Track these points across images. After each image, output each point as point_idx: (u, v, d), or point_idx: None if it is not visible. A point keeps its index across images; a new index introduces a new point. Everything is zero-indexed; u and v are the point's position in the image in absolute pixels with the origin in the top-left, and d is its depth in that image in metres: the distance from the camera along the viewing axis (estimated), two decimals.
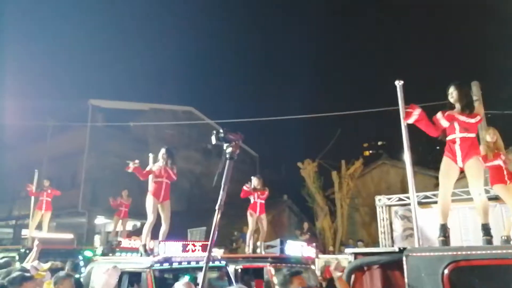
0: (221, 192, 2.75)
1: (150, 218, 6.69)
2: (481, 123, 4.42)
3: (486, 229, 4.08)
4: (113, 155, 18.76)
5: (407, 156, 4.40)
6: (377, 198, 11.10)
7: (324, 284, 8.92)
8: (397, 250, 3.68)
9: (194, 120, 22.57)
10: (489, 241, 3.99)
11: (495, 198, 7.33)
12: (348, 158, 16.21)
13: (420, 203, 10.53)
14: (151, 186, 7.06)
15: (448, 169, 4.31)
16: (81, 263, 8.43)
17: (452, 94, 4.37)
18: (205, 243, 6.57)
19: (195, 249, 6.35)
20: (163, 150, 7.23)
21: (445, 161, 4.33)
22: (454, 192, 9.82)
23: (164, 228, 6.90)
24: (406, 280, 3.44)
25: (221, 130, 2.79)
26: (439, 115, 4.34)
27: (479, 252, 3.15)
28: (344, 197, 15.32)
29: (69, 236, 9.42)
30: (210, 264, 6.46)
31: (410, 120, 4.33)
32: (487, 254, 3.14)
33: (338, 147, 17.71)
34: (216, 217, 2.67)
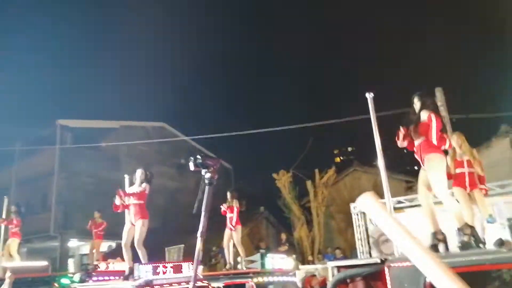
0: (202, 218, 2.76)
1: (123, 239, 6.66)
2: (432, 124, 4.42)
3: (460, 233, 4.20)
4: (85, 175, 18.33)
5: (381, 163, 4.55)
6: (352, 205, 11.30)
7: None
8: (379, 261, 3.76)
9: (166, 136, 22.35)
10: (467, 246, 4.09)
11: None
12: (321, 167, 16.43)
13: (394, 208, 10.80)
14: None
15: (422, 177, 4.48)
16: None
17: (416, 104, 4.56)
18: (177, 264, 6.44)
19: (166, 271, 6.21)
20: (139, 171, 7.14)
21: (421, 170, 4.50)
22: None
23: (139, 250, 6.78)
24: None
25: (198, 156, 2.83)
26: (398, 143, 4.53)
27: (456, 259, 3.26)
28: (320, 205, 15.47)
29: (43, 263, 9.07)
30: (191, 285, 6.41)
31: (403, 144, 4.44)
32: (462, 261, 3.26)
33: (310, 156, 17.96)
34: (199, 244, 2.68)
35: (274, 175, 15.61)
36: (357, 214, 11.05)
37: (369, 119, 5.17)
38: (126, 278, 6.19)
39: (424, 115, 4.29)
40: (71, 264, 17.49)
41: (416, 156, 4.39)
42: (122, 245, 6.62)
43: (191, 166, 2.73)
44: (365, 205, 1.08)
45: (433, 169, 4.17)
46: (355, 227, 10.97)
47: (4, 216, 9.82)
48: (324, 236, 15.81)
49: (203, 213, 2.72)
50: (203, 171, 2.75)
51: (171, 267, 6.23)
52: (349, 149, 62.63)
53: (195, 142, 25.14)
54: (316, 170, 15.85)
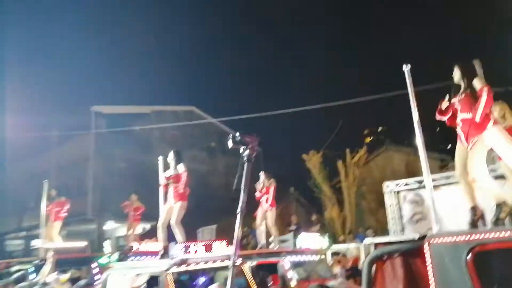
0: (241, 195, 2.76)
1: (160, 220, 6.82)
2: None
3: (496, 211, 4.02)
4: (119, 160, 18.81)
5: (419, 140, 4.41)
6: (384, 184, 11.08)
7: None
8: (417, 237, 3.69)
9: (196, 119, 22.57)
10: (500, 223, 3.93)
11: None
12: (351, 147, 16.25)
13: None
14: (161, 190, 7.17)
15: (460, 153, 4.33)
16: (96, 270, 8.47)
17: (455, 74, 4.37)
18: (211, 243, 6.53)
19: (199, 250, 6.29)
20: (171, 154, 7.32)
21: (458, 145, 4.35)
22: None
23: (176, 230, 6.96)
24: (429, 267, 3.45)
25: (237, 134, 2.84)
26: (438, 117, 4.39)
27: (502, 234, 3.15)
28: (351, 185, 15.34)
29: (82, 243, 9.45)
30: (225, 263, 6.51)
31: (444, 118, 4.31)
32: (506, 237, 3.14)
33: (340, 137, 17.76)
34: (239, 221, 2.68)
35: (304, 156, 15.54)
36: (389, 193, 10.84)
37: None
38: (162, 257, 6.35)
39: (479, 83, 4.09)
40: (107, 245, 18.11)
41: (459, 130, 4.20)
42: (159, 224, 6.80)
43: (230, 144, 2.75)
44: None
45: (475, 153, 4.04)
46: (387, 207, 10.78)
47: (45, 199, 10.22)
48: (355, 216, 15.71)
49: (242, 189, 2.72)
50: (241, 148, 2.76)
51: (205, 245, 6.34)
52: (379, 128, 61.37)
53: (224, 125, 25.30)
54: (347, 150, 15.68)
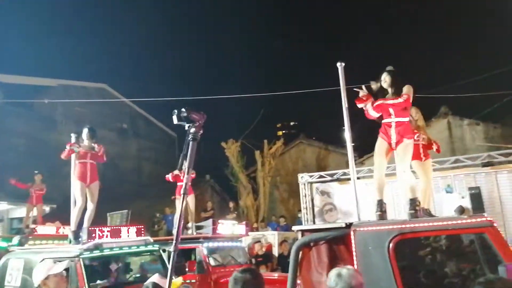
0: (185, 175, 2.62)
1: (79, 202, 6.28)
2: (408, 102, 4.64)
3: (412, 204, 4.40)
4: (17, 136, 17.08)
5: (347, 135, 4.61)
6: (299, 175, 11.57)
7: (253, 260, 9.14)
8: (343, 225, 3.86)
9: (107, 98, 21.28)
10: (415, 215, 4.31)
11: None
12: (265, 138, 16.64)
13: (339, 180, 11.23)
14: (75, 169, 6.59)
15: (382, 149, 4.59)
16: None
17: (385, 79, 4.64)
18: (119, 228, 6.26)
19: (111, 235, 5.99)
20: (85, 130, 6.81)
21: (380, 142, 4.60)
22: (369, 168, 10.64)
23: (89, 213, 6.52)
24: (354, 253, 3.64)
25: (183, 109, 2.63)
26: (361, 105, 4.63)
27: (420, 225, 3.44)
28: (266, 175, 15.74)
29: None
30: (143, 248, 6.27)
31: (361, 105, 4.54)
32: (425, 226, 3.44)
33: (256, 127, 18.07)
34: (182, 201, 2.55)
35: (223, 144, 15.56)
36: (304, 184, 11.33)
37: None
38: (76, 240, 5.92)
39: (406, 90, 4.40)
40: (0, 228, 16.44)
41: (392, 131, 4.45)
42: (79, 208, 6.26)
43: (175, 120, 2.55)
44: None
45: (407, 152, 4.37)
46: (301, 197, 11.28)
47: None
48: (268, 205, 16.18)
49: (186, 170, 2.57)
50: (186, 126, 2.58)
51: (116, 230, 6.00)
52: (291, 123, 63.83)
53: (138, 106, 24.24)
54: (265, 141, 16.03)
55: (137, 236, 6.11)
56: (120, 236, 5.95)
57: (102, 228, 5.86)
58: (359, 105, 4.60)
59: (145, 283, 3.12)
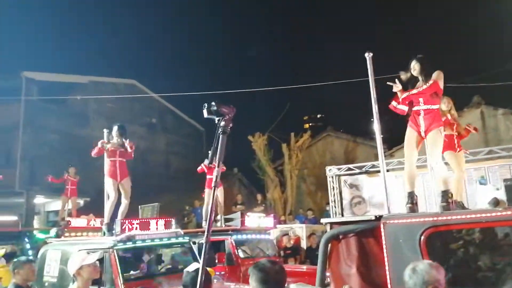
0: (216, 168, 2.66)
1: (112, 197, 6.50)
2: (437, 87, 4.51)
3: (444, 196, 4.31)
4: (51, 131, 17.68)
5: (376, 127, 4.55)
6: (327, 168, 11.50)
7: (281, 253, 9.18)
8: (373, 217, 3.82)
9: (137, 94, 21.69)
10: (448, 208, 4.22)
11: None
12: (292, 131, 16.61)
13: (367, 172, 11.09)
14: (106, 166, 6.80)
15: (412, 139, 4.50)
16: (28, 246, 7.99)
17: (415, 67, 4.54)
18: (159, 219, 6.43)
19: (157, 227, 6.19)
20: (115, 128, 6.97)
21: (409, 131, 4.51)
22: (399, 160, 10.45)
23: (123, 207, 6.72)
24: (384, 246, 3.61)
25: (213, 103, 2.65)
26: (394, 103, 4.53)
27: (453, 217, 3.37)
28: (293, 168, 15.72)
29: (13, 218, 8.81)
30: (174, 240, 6.41)
31: (396, 105, 4.46)
32: (458, 219, 3.36)
33: (283, 121, 18.06)
34: (213, 194, 2.59)
35: (250, 138, 15.63)
36: (332, 177, 11.25)
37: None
38: (110, 232, 6.11)
39: (436, 76, 4.28)
40: (36, 221, 17.09)
41: (420, 119, 4.37)
42: (111, 202, 6.47)
43: (205, 113, 2.57)
44: None
45: (438, 140, 4.26)
46: (329, 189, 11.20)
47: None
48: (295, 198, 16.18)
49: (217, 163, 2.60)
50: (216, 119, 2.60)
51: (142, 222, 6.14)
52: (318, 115, 63.36)
53: (166, 101, 24.59)
54: (292, 134, 16.00)
55: (165, 228, 6.24)
56: (149, 229, 6.09)
57: (132, 220, 6.03)
58: (396, 105, 4.50)
59: (185, 270, 3.22)
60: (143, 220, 6.34)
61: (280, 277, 2.26)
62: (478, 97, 13.40)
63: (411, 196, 4.33)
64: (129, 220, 6.00)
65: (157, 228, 6.22)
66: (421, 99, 4.40)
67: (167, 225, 6.39)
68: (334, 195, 11.15)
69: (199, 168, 9.19)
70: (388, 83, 4.51)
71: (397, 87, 4.51)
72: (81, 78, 19.85)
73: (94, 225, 8.01)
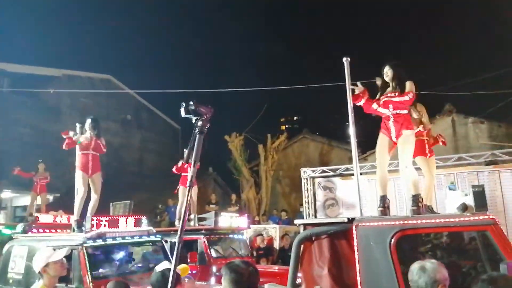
0: (191, 168, 2.63)
1: (81, 192, 6.33)
2: (413, 100, 4.62)
3: (414, 200, 4.39)
4: (22, 125, 17.16)
5: (352, 131, 4.61)
6: (302, 170, 11.58)
7: (254, 253, 9.19)
8: (345, 220, 3.87)
9: (112, 89, 21.32)
10: (418, 212, 4.29)
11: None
12: (268, 132, 16.67)
13: (341, 175, 11.22)
14: (78, 160, 6.64)
15: (383, 145, 4.59)
16: None
17: (387, 73, 4.63)
18: (137, 217, 6.36)
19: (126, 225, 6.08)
20: (89, 121, 6.83)
21: (381, 137, 4.60)
22: (372, 164, 10.64)
23: (93, 203, 6.59)
24: (355, 248, 3.66)
25: (191, 102, 2.65)
26: (375, 106, 4.60)
27: (423, 221, 3.45)
28: (269, 169, 15.77)
29: None
30: (145, 238, 6.32)
31: (359, 103, 4.53)
32: (427, 223, 3.45)
33: (260, 121, 18.09)
34: (188, 193, 2.57)
35: (227, 137, 15.58)
36: (306, 179, 11.33)
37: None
38: (79, 229, 5.97)
39: (409, 87, 4.38)
40: (2, 215, 16.55)
41: (391, 124, 4.45)
42: (80, 197, 6.33)
43: (182, 112, 2.57)
44: None
45: (408, 144, 4.33)
46: (303, 191, 11.27)
47: None
48: (270, 199, 16.24)
49: (193, 163, 2.58)
50: (193, 119, 2.59)
51: (111, 220, 6.01)
52: (295, 118, 63.71)
53: (143, 98, 24.26)
54: (269, 135, 16.05)
55: (135, 226, 6.14)
56: (118, 226, 5.98)
57: (101, 217, 5.90)
58: (357, 104, 4.59)
59: (155, 269, 3.16)
60: (112, 217, 6.21)
61: (253, 279, 2.25)
62: (450, 105, 13.81)
63: (383, 200, 4.41)
64: (97, 217, 5.87)
65: (126, 226, 6.11)
66: (390, 105, 4.49)
67: (137, 223, 6.29)
68: (308, 196, 11.22)
69: (174, 168, 9.11)
70: (351, 86, 4.59)
71: (359, 89, 4.62)
72: (55, 71, 19.36)
73: (61, 221, 7.80)
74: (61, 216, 7.56)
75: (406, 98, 4.41)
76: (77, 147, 6.67)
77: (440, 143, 5.98)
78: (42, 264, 3.40)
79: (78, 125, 7.06)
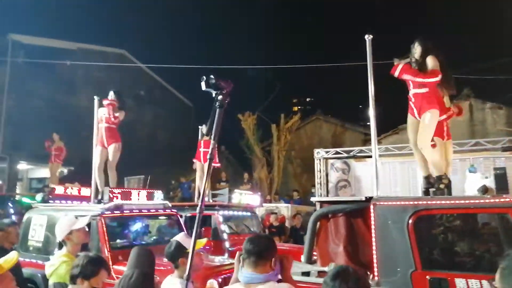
0: (211, 141, 2.66)
1: (95, 163, 6.50)
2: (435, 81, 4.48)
3: (436, 181, 4.25)
4: (37, 97, 17.31)
5: (372, 112, 4.56)
6: (315, 151, 11.58)
7: (267, 231, 9.30)
8: (363, 198, 3.89)
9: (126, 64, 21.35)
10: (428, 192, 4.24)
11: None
12: (282, 112, 16.60)
13: (355, 157, 11.20)
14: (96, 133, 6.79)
15: (411, 125, 4.52)
16: (12, 211, 7.92)
17: (416, 49, 4.52)
18: (146, 191, 6.45)
19: (134, 197, 6.15)
20: (111, 93, 6.94)
21: (409, 118, 4.54)
22: (387, 147, 10.57)
23: (110, 173, 6.72)
24: (372, 227, 3.69)
25: (212, 76, 2.66)
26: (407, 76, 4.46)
27: (441, 202, 3.44)
28: (281, 149, 15.79)
29: None
30: (161, 212, 6.43)
31: (396, 72, 4.35)
32: (448, 204, 3.44)
33: (273, 101, 18.03)
34: (209, 167, 2.60)
35: (240, 116, 15.58)
36: (319, 160, 11.34)
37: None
38: (99, 201, 6.10)
39: (431, 62, 4.27)
40: (19, 187, 16.89)
41: (411, 104, 4.40)
42: (95, 168, 6.47)
43: (203, 86, 2.58)
44: None
45: (429, 123, 4.23)
46: (316, 172, 11.30)
47: None
48: (281, 179, 16.31)
49: (213, 136, 2.60)
50: (213, 93, 2.60)
51: (123, 192, 6.10)
52: (308, 99, 63.27)
53: (156, 74, 24.27)
54: (282, 115, 16.00)
55: (147, 200, 6.23)
56: (130, 199, 6.06)
57: (113, 189, 6.00)
58: (396, 70, 4.42)
59: (171, 240, 3.22)
60: (125, 189, 6.30)
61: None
62: (468, 90, 13.56)
63: (427, 180, 4.28)
64: (110, 189, 5.98)
65: (138, 199, 6.20)
66: (411, 84, 4.42)
67: (149, 197, 6.39)
68: (320, 177, 11.26)
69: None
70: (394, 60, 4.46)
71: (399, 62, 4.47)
72: (70, 45, 19.38)
73: (71, 193, 7.96)
74: (71, 188, 7.69)
75: (435, 79, 4.18)
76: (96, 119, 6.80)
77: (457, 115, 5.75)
78: (66, 232, 3.47)
79: (96, 97, 7.13)
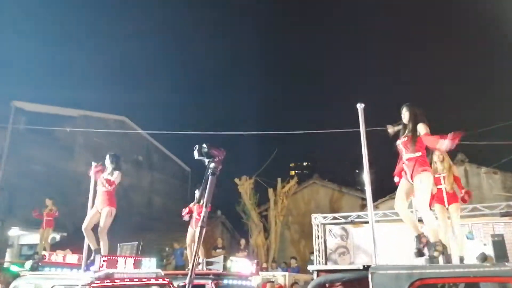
0: (203, 209, 2.67)
1: (84, 223, 6.46)
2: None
3: (432, 247, 4.18)
4: (36, 163, 17.39)
5: (366, 178, 4.59)
6: (313, 216, 11.44)
7: None
8: (361, 267, 3.80)
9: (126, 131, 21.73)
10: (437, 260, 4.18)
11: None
12: (278, 177, 16.60)
13: (353, 222, 11.05)
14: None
15: (402, 188, 4.51)
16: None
17: (404, 115, 4.66)
18: (136, 259, 6.26)
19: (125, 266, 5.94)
20: (107, 156, 7.01)
21: (401, 181, 4.55)
22: (384, 213, 10.47)
23: (101, 241, 6.57)
24: None
25: (204, 145, 2.74)
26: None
27: (442, 270, 3.36)
28: (279, 214, 15.59)
29: None
30: (154, 281, 6.19)
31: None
32: (448, 272, 3.36)
33: (270, 166, 18.10)
34: (200, 235, 2.58)
35: (236, 180, 15.55)
36: (317, 225, 11.17)
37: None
38: (92, 262, 5.92)
39: (422, 129, 4.38)
40: (9, 253, 16.39)
41: (405, 167, 4.45)
42: (83, 228, 6.38)
43: (195, 155, 2.65)
44: None
45: (424, 187, 4.25)
46: (314, 238, 11.08)
47: None
48: (278, 245, 15.93)
49: (205, 203, 2.62)
50: (206, 161, 2.66)
51: (109, 260, 5.88)
52: (305, 164, 63.73)
53: (155, 140, 24.62)
54: (279, 179, 15.99)
55: (134, 268, 6.03)
56: (116, 267, 5.86)
57: (113, 257, 5.82)
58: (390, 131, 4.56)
59: None
60: (111, 257, 6.10)
61: None
62: (462, 155, 13.73)
63: (419, 239, 4.21)
64: (101, 256, 5.80)
65: (125, 267, 5.99)
66: (403, 148, 4.50)
67: (137, 265, 6.18)
68: (318, 243, 11.02)
69: (185, 211, 8.93)
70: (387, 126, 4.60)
71: (392, 128, 4.61)
72: (71, 111, 19.86)
73: (56, 260, 7.74)
74: (56, 255, 7.50)
75: (445, 145, 4.17)
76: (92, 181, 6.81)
77: (459, 197, 5.76)
78: None
79: (93, 163, 7.17)
